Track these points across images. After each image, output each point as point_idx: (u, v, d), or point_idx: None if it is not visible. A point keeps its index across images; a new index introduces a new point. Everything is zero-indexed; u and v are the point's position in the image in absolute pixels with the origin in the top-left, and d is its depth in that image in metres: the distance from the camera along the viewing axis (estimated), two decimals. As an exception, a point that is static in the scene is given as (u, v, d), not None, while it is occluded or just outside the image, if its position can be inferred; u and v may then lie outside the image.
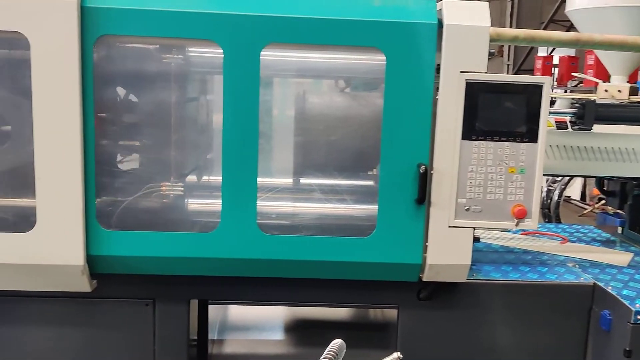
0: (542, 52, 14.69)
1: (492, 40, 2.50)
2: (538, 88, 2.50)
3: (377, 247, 2.54)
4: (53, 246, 2.44)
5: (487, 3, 2.58)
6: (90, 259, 2.49)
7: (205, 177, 3.02)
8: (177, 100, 2.73)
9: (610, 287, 2.68)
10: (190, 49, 2.78)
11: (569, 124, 3.06)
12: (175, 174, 2.76)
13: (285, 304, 3.12)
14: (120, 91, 2.76)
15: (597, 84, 6.78)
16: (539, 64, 13.22)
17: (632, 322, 2.45)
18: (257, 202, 2.53)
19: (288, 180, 2.93)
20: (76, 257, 2.45)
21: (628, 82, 7.55)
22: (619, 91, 6.06)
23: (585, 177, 7.07)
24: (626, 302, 2.51)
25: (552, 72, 12.88)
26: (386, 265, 2.57)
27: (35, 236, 2.43)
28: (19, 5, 2.31)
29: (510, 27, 15.80)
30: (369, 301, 2.82)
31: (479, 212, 2.56)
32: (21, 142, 2.51)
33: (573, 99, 5.36)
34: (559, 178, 7.67)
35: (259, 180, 2.52)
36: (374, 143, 2.61)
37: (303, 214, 2.87)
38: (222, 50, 2.42)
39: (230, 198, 2.51)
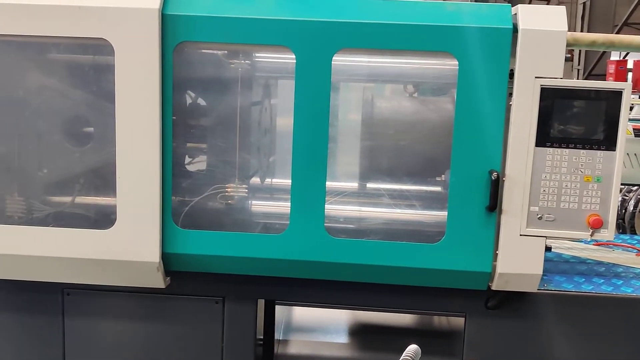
0: (614, 56, 14.14)
1: (568, 45, 2.44)
2: (617, 94, 2.42)
3: (446, 254, 2.52)
4: (131, 243, 2.55)
5: (564, 7, 2.52)
6: (165, 257, 2.59)
7: (268, 180, 3.09)
8: (243, 104, 2.79)
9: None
10: (256, 54, 2.85)
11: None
12: (240, 176, 2.83)
13: (350, 308, 3.13)
14: (191, 95, 2.86)
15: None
16: (611, 68, 12.74)
17: None
18: (325, 205, 2.55)
19: (355, 184, 2.95)
20: (152, 254, 2.55)
21: None
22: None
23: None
24: None
25: (627, 76, 12.38)
26: (454, 272, 2.54)
27: (115, 233, 2.55)
28: (104, 14, 2.43)
29: (582, 30, 15.28)
30: (435, 308, 2.79)
31: (552, 221, 2.49)
32: (103, 143, 2.64)
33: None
34: (635, 187, 7.38)
35: (327, 183, 2.55)
36: (442, 148, 2.59)
37: (370, 218, 2.88)
38: (291, 56, 2.46)
39: (299, 201, 2.55)
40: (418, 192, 2.89)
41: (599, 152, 2.46)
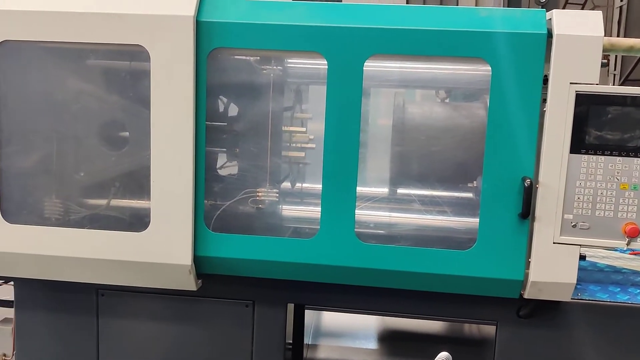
0: (652, 61, 13.77)
1: (605, 50, 2.40)
2: (656, 100, 2.37)
3: (478, 261, 2.50)
4: (164, 246, 2.59)
5: (600, 12, 2.48)
6: (197, 259, 2.62)
7: (298, 185, 3.10)
8: (274, 109, 2.82)
9: None
10: (288, 60, 2.87)
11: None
12: (270, 181, 2.85)
13: (379, 314, 3.12)
14: (223, 100, 2.89)
15: None
16: (649, 73, 12.43)
17: None
18: (356, 210, 2.56)
19: (386, 190, 2.94)
20: (185, 257, 2.58)
21: None
22: None
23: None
24: None
25: (664, 82, 12.07)
26: (486, 280, 2.52)
27: (149, 236, 2.59)
28: (141, 21, 2.48)
29: (618, 35, 14.96)
30: (466, 316, 2.76)
31: (587, 229, 2.45)
32: (138, 147, 2.69)
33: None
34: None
35: (358, 188, 2.55)
36: (474, 154, 2.57)
37: (401, 224, 2.87)
38: (323, 61, 2.47)
39: (330, 206, 2.55)
40: (449, 198, 2.87)
41: (636, 159, 2.41)
